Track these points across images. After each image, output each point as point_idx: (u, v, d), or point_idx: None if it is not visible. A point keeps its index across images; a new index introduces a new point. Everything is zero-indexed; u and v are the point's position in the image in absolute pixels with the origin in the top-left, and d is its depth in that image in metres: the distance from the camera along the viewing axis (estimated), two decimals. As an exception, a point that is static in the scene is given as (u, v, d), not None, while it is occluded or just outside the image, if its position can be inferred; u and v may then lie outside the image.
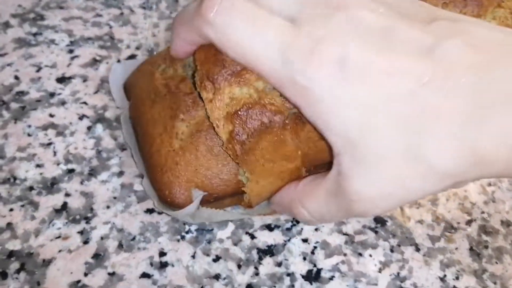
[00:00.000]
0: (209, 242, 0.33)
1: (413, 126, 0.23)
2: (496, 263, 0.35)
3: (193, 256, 0.33)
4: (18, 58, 0.42)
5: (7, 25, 0.45)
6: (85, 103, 0.40)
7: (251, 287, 0.32)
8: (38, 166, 0.36)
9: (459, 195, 0.39)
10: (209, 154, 0.31)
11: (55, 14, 0.47)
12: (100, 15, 0.47)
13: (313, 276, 0.33)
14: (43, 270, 0.31)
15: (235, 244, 0.34)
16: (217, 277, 0.32)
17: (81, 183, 0.35)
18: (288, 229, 0.35)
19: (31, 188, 0.35)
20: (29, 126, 0.38)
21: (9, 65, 0.42)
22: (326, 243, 0.34)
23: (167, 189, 0.31)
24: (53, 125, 0.38)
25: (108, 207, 0.34)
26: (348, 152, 0.25)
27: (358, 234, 0.35)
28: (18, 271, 0.31)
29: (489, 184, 0.40)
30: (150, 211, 0.34)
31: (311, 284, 0.32)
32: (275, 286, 0.32)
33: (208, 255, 0.33)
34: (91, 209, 0.34)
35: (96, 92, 0.41)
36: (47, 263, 0.31)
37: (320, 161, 0.31)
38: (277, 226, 0.35)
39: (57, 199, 0.34)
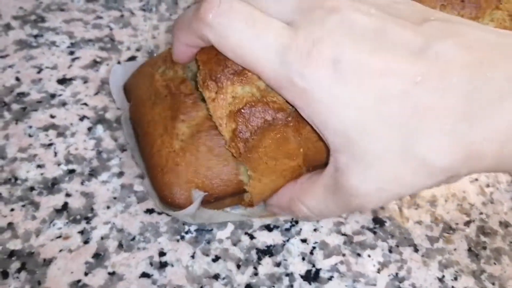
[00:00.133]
0: (209, 242, 0.34)
1: (407, 124, 0.24)
2: (495, 264, 0.35)
3: (193, 256, 0.33)
4: (19, 60, 0.43)
5: (8, 27, 0.45)
6: (85, 104, 0.40)
7: (250, 287, 0.32)
8: (39, 166, 0.36)
9: (458, 196, 0.39)
10: (209, 155, 0.31)
11: (56, 16, 0.47)
12: (100, 17, 0.47)
13: (312, 276, 0.33)
14: (43, 270, 0.31)
15: (234, 244, 0.34)
16: (216, 277, 0.32)
17: (82, 183, 0.36)
18: (287, 230, 0.35)
19: (32, 188, 0.35)
20: (30, 127, 0.38)
21: (10, 66, 0.42)
22: (325, 243, 0.35)
23: (167, 190, 0.31)
24: (54, 126, 0.39)
25: (108, 207, 0.35)
26: (345, 150, 0.26)
27: (356, 234, 0.35)
28: (19, 271, 0.31)
29: (488, 185, 0.40)
30: (150, 211, 0.35)
31: (310, 284, 0.33)
32: (274, 286, 0.32)
33: (207, 255, 0.33)
34: (92, 209, 0.34)
35: (96, 94, 0.41)
36: (47, 262, 0.32)
37: (318, 162, 0.31)
38: (276, 227, 0.35)
39: (57, 199, 0.35)
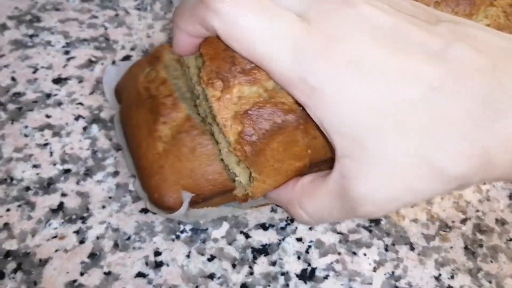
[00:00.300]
0: (204, 241, 0.34)
1: (423, 130, 0.23)
2: (491, 261, 0.35)
3: (188, 256, 0.33)
4: (15, 60, 0.43)
5: (3, 27, 0.45)
6: (81, 103, 0.40)
7: (246, 287, 0.32)
8: (34, 166, 0.36)
9: (454, 194, 0.39)
10: (191, 156, 0.30)
11: (51, 16, 0.47)
12: (95, 17, 0.47)
13: (307, 275, 0.33)
14: (39, 270, 0.31)
15: (230, 244, 0.34)
16: (211, 276, 0.32)
17: (77, 183, 0.36)
18: (283, 228, 0.35)
19: (27, 188, 0.35)
20: (26, 126, 0.38)
21: (5, 66, 0.42)
22: (321, 242, 0.35)
23: (156, 193, 0.31)
24: (49, 126, 0.39)
25: (103, 207, 0.35)
26: (354, 155, 0.24)
27: (352, 233, 0.35)
28: (15, 271, 0.31)
29: (484, 183, 0.40)
30: (145, 210, 0.35)
31: (306, 283, 0.32)
32: (269, 285, 0.32)
33: (202, 254, 0.33)
34: (87, 209, 0.34)
35: (91, 93, 0.41)
36: (43, 262, 0.32)
37: (318, 158, 0.31)
38: (272, 225, 0.35)
39: (53, 199, 0.35)
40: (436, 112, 0.23)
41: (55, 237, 0.33)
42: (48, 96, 0.40)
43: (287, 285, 0.32)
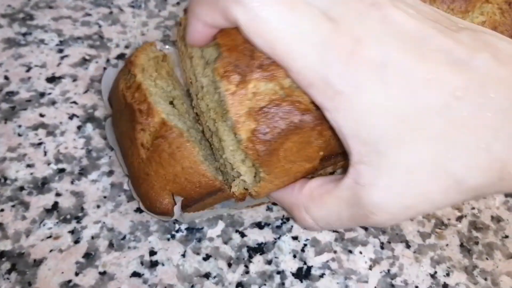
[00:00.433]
0: (199, 240, 0.33)
1: (443, 139, 0.23)
2: (487, 259, 0.35)
3: (183, 255, 0.33)
4: (8, 58, 0.42)
5: (-3, 25, 0.45)
6: (75, 102, 0.40)
7: (242, 286, 0.32)
8: (28, 166, 0.36)
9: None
10: (172, 161, 0.30)
11: (44, 14, 0.46)
12: (89, 14, 0.47)
13: (303, 273, 0.33)
14: (34, 270, 0.31)
15: (225, 243, 0.34)
16: (207, 275, 0.32)
17: (72, 182, 0.35)
18: (278, 227, 0.35)
19: (21, 188, 0.35)
20: (19, 126, 0.38)
21: (-1, 65, 0.42)
22: (316, 240, 0.34)
23: (147, 200, 0.31)
24: (43, 125, 0.38)
25: (98, 206, 0.34)
26: (371, 162, 0.23)
27: (348, 231, 0.35)
28: (9, 271, 0.31)
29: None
30: (140, 210, 0.34)
31: (302, 282, 0.32)
32: (265, 284, 0.32)
33: (198, 253, 0.33)
34: (82, 209, 0.34)
35: (86, 92, 0.41)
36: (38, 263, 0.31)
37: (334, 153, 0.30)
38: (267, 224, 0.35)
39: (47, 199, 0.34)
40: (458, 122, 0.22)
41: (50, 237, 0.33)
42: (42, 95, 0.40)
43: (283, 283, 0.32)
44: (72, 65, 0.42)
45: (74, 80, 0.41)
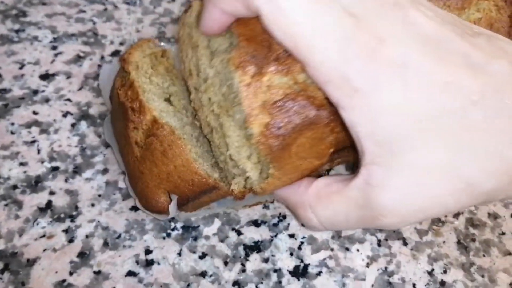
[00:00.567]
0: (195, 239, 0.33)
1: (458, 142, 0.23)
2: (484, 256, 0.35)
3: (179, 254, 0.32)
4: (0, 55, 0.42)
5: (-11, 21, 0.44)
6: (69, 100, 0.40)
7: (238, 284, 0.32)
8: (21, 164, 0.35)
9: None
10: (165, 159, 0.30)
11: (38, 10, 0.46)
12: (83, 11, 0.47)
13: (300, 272, 0.33)
14: (27, 270, 0.31)
15: (222, 241, 0.33)
16: (203, 274, 0.32)
17: (66, 181, 0.35)
18: (275, 225, 0.35)
19: (14, 187, 0.34)
20: (12, 124, 0.38)
21: (-9, 62, 0.41)
22: (313, 238, 0.34)
23: (143, 198, 0.31)
24: (36, 123, 0.38)
25: (93, 205, 0.34)
26: (383, 162, 0.23)
27: (345, 228, 0.35)
28: (2, 271, 0.30)
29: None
30: (135, 208, 0.34)
31: (299, 280, 0.32)
32: (262, 283, 0.32)
33: (194, 252, 0.33)
34: (76, 207, 0.34)
35: (80, 89, 0.40)
36: (31, 262, 0.31)
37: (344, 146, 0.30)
38: (264, 222, 0.35)
39: (41, 198, 0.34)
40: (472, 126, 0.22)
41: (43, 236, 0.32)
42: (35, 92, 0.40)
43: (280, 282, 0.32)
44: (66, 62, 0.42)
45: (68, 77, 0.41)
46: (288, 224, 0.35)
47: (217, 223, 0.34)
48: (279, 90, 0.24)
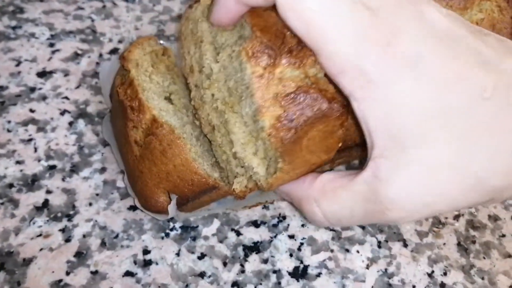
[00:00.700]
0: (194, 239, 0.33)
1: (468, 139, 0.23)
2: (484, 258, 0.35)
3: (178, 254, 0.32)
4: (-3, 52, 0.41)
5: (-14, 18, 0.44)
6: (66, 98, 0.39)
7: (237, 285, 0.31)
8: (18, 162, 0.35)
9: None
10: (164, 158, 0.30)
11: (35, 7, 0.45)
12: (81, 8, 0.46)
13: (299, 273, 0.32)
14: (23, 270, 0.30)
15: (221, 241, 0.33)
16: (202, 275, 0.31)
17: (63, 179, 0.35)
18: (275, 226, 0.34)
19: (11, 185, 0.34)
20: (9, 121, 0.37)
21: (-13, 59, 0.41)
22: (313, 239, 0.34)
23: (142, 197, 0.31)
24: (33, 121, 0.37)
25: (90, 204, 0.34)
26: (393, 156, 0.23)
27: (345, 229, 0.35)
28: (-3, 271, 0.30)
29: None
30: (133, 208, 0.34)
31: (298, 281, 0.32)
32: (261, 284, 0.31)
33: (193, 252, 0.32)
34: (73, 207, 0.33)
35: (77, 87, 0.40)
36: (27, 262, 0.31)
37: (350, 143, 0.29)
38: (263, 223, 0.34)
39: (38, 196, 0.34)
40: (482, 123, 0.22)
41: (40, 235, 0.32)
42: (32, 90, 0.39)
43: (279, 283, 0.32)
44: (64, 60, 0.42)
45: (66, 75, 0.41)
46: (288, 225, 0.34)
47: (216, 223, 0.34)
48: (291, 83, 0.24)
